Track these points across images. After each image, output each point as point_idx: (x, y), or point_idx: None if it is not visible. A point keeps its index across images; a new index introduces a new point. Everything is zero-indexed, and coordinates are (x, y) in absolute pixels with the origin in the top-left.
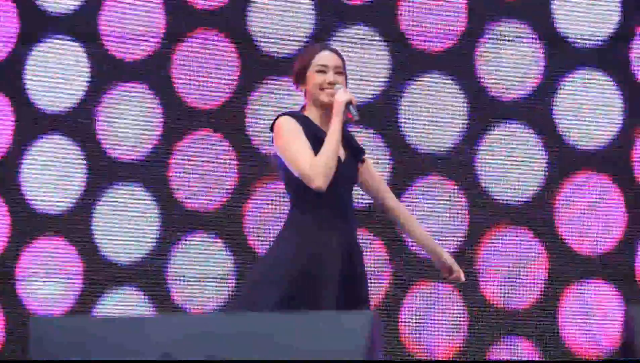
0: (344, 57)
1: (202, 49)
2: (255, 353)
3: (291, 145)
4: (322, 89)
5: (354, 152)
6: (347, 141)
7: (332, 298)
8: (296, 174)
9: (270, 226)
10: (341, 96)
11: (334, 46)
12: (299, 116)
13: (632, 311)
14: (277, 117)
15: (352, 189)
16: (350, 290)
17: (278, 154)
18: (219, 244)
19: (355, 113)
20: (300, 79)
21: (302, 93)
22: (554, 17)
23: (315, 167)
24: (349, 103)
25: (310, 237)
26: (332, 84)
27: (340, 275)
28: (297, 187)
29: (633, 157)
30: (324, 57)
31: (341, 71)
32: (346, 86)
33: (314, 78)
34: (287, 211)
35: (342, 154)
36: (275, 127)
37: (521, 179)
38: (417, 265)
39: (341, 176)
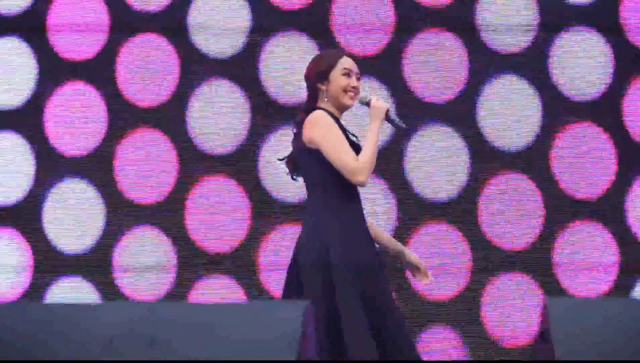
0: None
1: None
2: (194, 340)
3: (334, 139)
4: (345, 91)
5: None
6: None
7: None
8: (338, 167)
9: (212, 217)
10: (382, 103)
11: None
12: (328, 112)
13: (548, 302)
14: (308, 111)
15: None
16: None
17: (310, 145)
18: (161, 236)
19: (399, 122)
20: (322, 77)
21: (309, 89)
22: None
23: (362, 163)
24: (387, 111)
25: (359, 231)
26: (355, 88)
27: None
28: (333, 179)
29: None
30: (348, 62)
31: (359, 78)
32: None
33: (339, 80)
34: (311, 206)
35: None
36: (312, 120)
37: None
38: None
39: None
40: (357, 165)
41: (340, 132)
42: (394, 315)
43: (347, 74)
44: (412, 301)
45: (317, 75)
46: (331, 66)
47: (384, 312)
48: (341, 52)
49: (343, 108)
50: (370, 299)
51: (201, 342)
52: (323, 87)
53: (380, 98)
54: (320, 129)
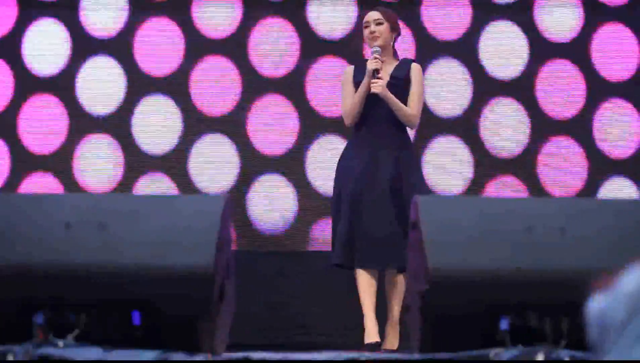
0: (384, 9)
1: None
2: (133, 224)
3: (342, 92)
4: (368, 38)
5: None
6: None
7: None
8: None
9: None
10: (370, 64)
11: None
12: (357, 64)
13: (417, 199)
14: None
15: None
16: None
17: None
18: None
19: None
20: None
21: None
22: None
23: (344, 110)
24: (374, 70)
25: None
26: (373, 32)
27: None
28: None
29: None
30: (366, 16)
31: (381, 21)
32: (392, 30)
33: (364, 32)
34: None
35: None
36: None
37: None
38: None
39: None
40: (342, 110)
41: (346, 83)
42: None
43: (366, 26)
44: None
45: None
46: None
47: None
48: (366, 12)
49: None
50: None
51: (139, 227)
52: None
53: (373, 59)
54: None
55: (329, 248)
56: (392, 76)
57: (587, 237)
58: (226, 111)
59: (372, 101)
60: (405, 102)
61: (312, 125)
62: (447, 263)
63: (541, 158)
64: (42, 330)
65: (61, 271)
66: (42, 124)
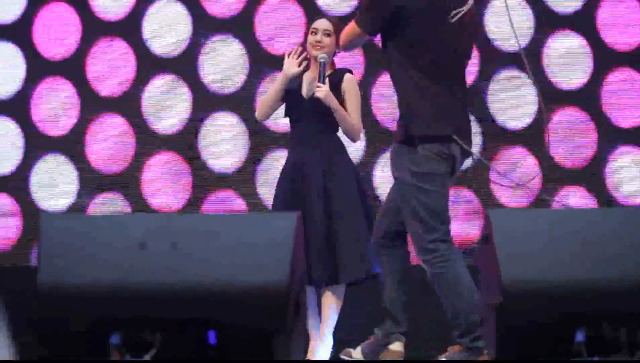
0: (335, 21)
1: None
2: (206, 243)
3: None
4: (312, 45)
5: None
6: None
7: None
8: None
9: None
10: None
11: None
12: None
13: (489, 213)
14: None
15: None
16: None
17: None
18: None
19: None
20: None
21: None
22: None
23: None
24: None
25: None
26: (319, 42)
27: None
28: None
29: None
30: (316, 23)
31: (330, 33)
32: (337, 43)
33: (308, 38)
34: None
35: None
36: None
37: None
38: None
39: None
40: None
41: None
42: None
43: (314, 32)
44: None
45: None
46: (307, 28)
47: None
48: (319, 16)
49: (315, 58)
50: None
51: (213, 245)
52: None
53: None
54: None
55: None
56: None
57: None
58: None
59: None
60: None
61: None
62: (521, 275)
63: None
64: (118, 351)
65: (137, 291)
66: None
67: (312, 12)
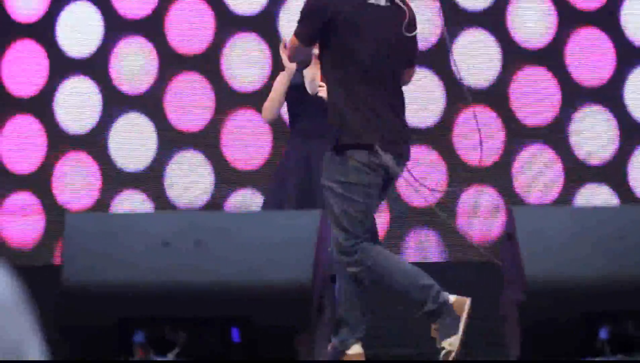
0: None
1: None
2: (229, 241)
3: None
4: None
5: None
6: None
7: None
8: None
9: None
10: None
11: None
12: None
13: (512, 209)
14: None
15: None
16: None
17: None
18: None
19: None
20: None
21: None
22: None
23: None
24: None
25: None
26: None
27: None
28: None
29: None
30: None
31: None
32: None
33: None
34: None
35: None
36: None
37: None
38: None
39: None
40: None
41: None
42: None
43: None
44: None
45: None
46: None
47: None
48: None
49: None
50: None
51: (236, 243)
52: None
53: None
54: None
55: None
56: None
57: None
58: None
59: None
60: None
61: None
62: (544, 272)
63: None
64: (142, 349)
65: (160, 289)
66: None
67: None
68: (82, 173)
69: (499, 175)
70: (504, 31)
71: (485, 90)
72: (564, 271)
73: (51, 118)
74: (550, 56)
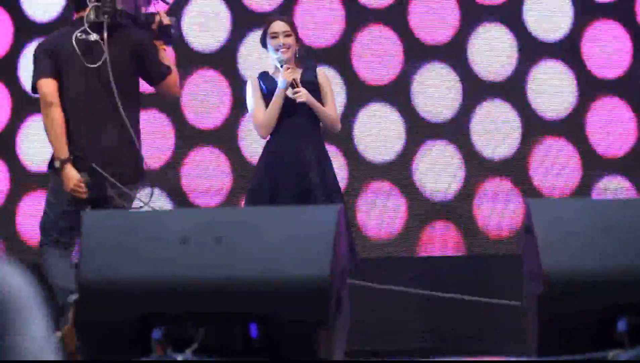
0: (289, 20)
1: None
2: (247, 237)
3: (249, 102)
4: (277, 50)
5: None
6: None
7: None
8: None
9: None
10: (287, 75)
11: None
12: (260, 74)
13: (529, 202)
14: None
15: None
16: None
17: None
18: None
19: (296, 89)
20: (264, 44)
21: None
22: None
23: (260, 119)
24: (294, 80)
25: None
26: (285, 44)
27: None
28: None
29: None
30: (274, 26)
31: (289, 33)
32: (297, 40)
33: (270, 43)
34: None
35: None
36: None
37: None
38: None
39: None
40: (257, 122)
41: (255, 94)
42: None
43: (274, 36)
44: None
45: (262, 44)
46: (264, 35)
47: None
48: (271, 19)
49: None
50: None
51: (255, 239)
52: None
53: (288, 70)
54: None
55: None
56: (305, 82)
57: None
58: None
59: (288, 109)
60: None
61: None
62: (562, 265)
63: None
64: (160, 345)
65: (178, 285)
66: None
67: (353, 10)
68: None
69: (515, 167)
70: (519, 26)
71: (501, 83)
72: (582, 263)
73: None
74: (567, 50)
